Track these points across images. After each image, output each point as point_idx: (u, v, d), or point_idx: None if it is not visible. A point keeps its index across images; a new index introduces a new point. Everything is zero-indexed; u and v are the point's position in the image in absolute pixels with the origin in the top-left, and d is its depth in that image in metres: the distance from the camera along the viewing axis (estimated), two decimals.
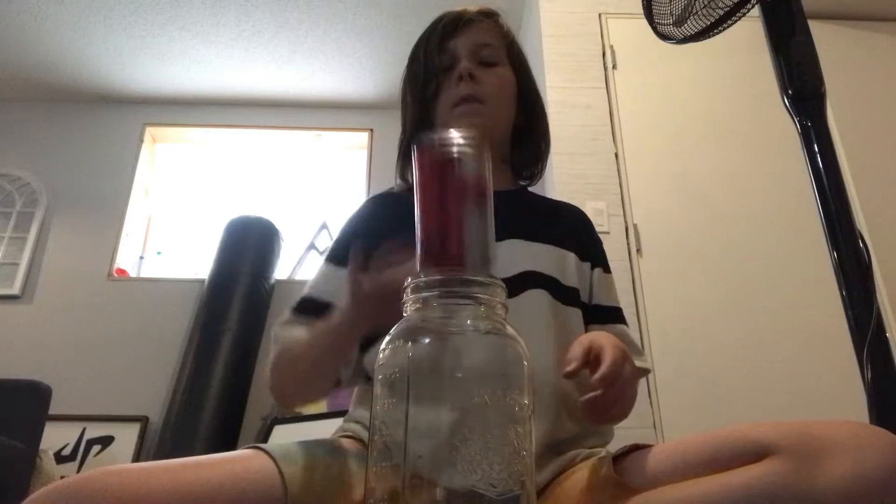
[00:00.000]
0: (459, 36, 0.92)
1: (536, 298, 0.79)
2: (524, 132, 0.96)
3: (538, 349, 0.69)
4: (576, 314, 0.82)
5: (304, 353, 0.74)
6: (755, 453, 0.48)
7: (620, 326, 0.87)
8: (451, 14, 0.94)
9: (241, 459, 0.61)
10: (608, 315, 0.87)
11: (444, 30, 0.92)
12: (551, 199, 1.02)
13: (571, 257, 0.86)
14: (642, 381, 0.85)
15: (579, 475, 0.64)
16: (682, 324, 1.86)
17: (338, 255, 0.85)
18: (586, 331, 0.85)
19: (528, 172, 0.98)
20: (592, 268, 0.89)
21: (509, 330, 0.53)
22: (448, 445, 0.47)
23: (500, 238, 0.84)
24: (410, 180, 0.94)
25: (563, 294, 0.82)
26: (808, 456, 0.47)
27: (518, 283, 0.78)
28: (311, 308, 0.78)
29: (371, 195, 0.99)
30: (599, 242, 0.94)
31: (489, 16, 0.96)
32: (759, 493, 0.46)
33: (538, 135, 0.97)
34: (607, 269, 0.91)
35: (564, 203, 1.00)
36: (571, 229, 0.91)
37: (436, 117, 0.92)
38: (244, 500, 0.56)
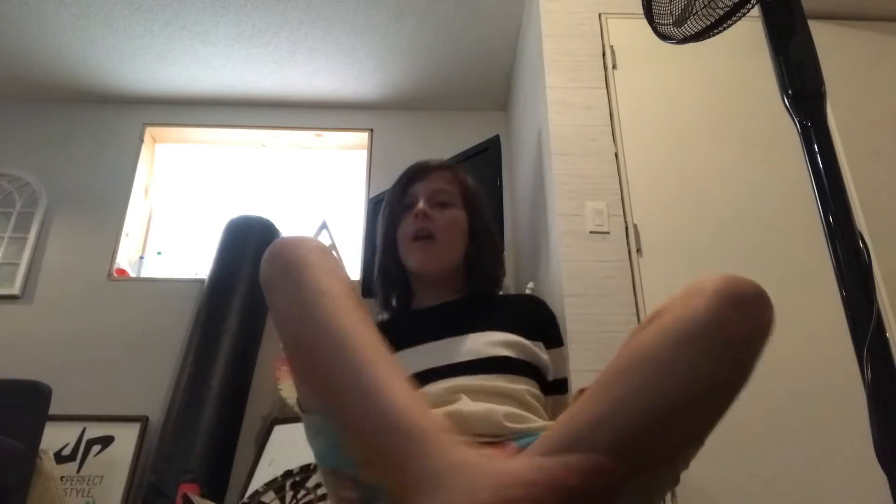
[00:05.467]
0: (420, 182, 1.16)
1: (487, 371, 0.94)
2: (475, 261, 1.15)
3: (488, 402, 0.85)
4: (525, 381, 0.97)
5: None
6: None
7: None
8: (416, 165, 1.19)
9: None
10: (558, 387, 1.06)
11: (408, 177, 1.17)
12: (504, 295, 1.23)
13: (518, 339, 1.01)
14: None
15: None
16: None
17: None
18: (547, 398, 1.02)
19: (483, 291, 1.16)
20: (547, 347, 1.06)
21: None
22: None
23: (458, 333, 1.00)
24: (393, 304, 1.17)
25: (513, 367, 0.97)
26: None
27: (470, 366, 0.94)
28: None
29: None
30: (551, 318, 1.14)
31: (447, 168, 1.20)
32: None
33: (488, 263, 1.17)
34: (559, 343, 1.10)
35: (514, 296, 1.30)
36: (518, 316, 1.09)
37: (399, 247, 1.14)
38: None
